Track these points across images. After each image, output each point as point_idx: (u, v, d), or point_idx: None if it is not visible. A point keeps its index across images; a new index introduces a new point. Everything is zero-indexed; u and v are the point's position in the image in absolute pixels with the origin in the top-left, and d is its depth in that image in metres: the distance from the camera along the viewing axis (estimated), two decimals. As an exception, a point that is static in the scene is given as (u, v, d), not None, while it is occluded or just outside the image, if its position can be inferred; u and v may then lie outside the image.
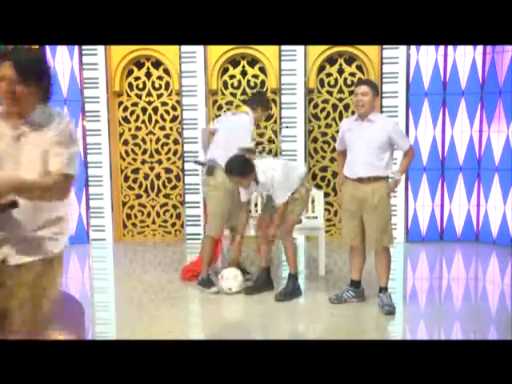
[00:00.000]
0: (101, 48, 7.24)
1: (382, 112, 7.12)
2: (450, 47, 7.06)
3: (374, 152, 4.61)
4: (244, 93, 7.47)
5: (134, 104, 7.62)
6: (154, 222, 7.82)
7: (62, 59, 7.28)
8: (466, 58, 7.05)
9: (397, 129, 4.69)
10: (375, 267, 4.88)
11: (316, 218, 6.30)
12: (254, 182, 5.01)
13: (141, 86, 7.59)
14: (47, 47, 7.23)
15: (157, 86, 7.58)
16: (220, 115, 6.53)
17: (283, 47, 7.15)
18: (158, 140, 7.66)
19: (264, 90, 7.34)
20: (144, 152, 7.68)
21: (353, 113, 7.37)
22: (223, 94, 7.51)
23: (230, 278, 5.24)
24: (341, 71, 7.44)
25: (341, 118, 7.45)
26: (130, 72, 7.58)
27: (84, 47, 7.25)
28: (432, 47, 7.05)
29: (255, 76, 7.46)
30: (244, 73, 7.47)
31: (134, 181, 7.74)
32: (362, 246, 4.86)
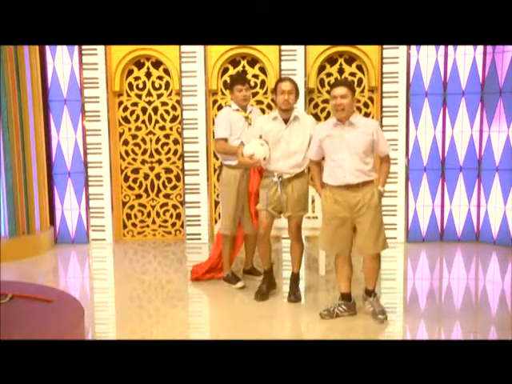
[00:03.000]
0: (101, 48, 7.22)
1: (382, 112, 7.13)
2: (451, 47, 7.05)
3: (360, 157, 4.37)
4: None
5: (134, 104, 7.62)
6: (154, 222, 7.81)
7: (61, 59, 7.27)
8: (466, 57, 7.04)
9: (379, 131, 4.47)
10: (363, 270, 4.70)
11: (316, 218, 6.29)
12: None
13: (141, 85, 7.58)
14: (47, 47, 7.23)
15: (157, 85, 7.57)
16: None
17: (283, 47, 7.14)
18: (157, 140, 7.65)
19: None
20: (144, 152, 7.67)
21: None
22: (223, 93, 7.50)
23: (253, 146, 4.91)
24: (341, 71, 7.43)
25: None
26: (130, 72, 7.56)
27: (84, 47, 7.23)
28: (432, 47, 7.04)
29: (255, 76, 7.45)
30: (244, 73, 7.45)
31: (134, 181, 7.74)
32: (350, 254, 4.64)
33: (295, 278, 5.17)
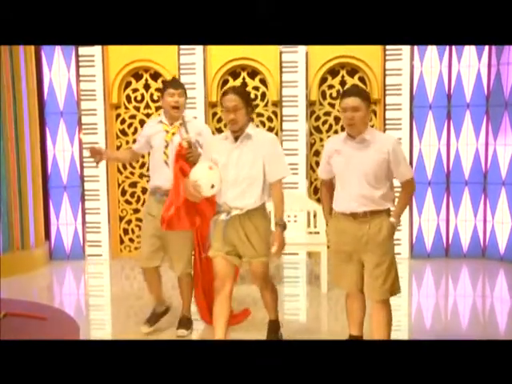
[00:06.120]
0: (98, 59, 7.15)
1: (385, 125, 7.02)
2: (455, 58, 6.97)
3: (369, 181, 3.64)
4: (244, 105, 7.36)
5: (132, 116, 7.50)
6: (151, 237, 7.67)
7: (58, 71, 7.19)
8: (470, 69, 6.95)
9: (398, 150, 3.67)
10: (370, 322, 3.91)
11: (318, 233, 6.17)
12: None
13: (139, 98, 7.47)
14: (44, 59, 7.15)
15: (155, 98, 7.45)
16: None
17: (284, 59, 7.06)
18: (156, 153, 7.53)
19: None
20: (142, 165, 7.54)
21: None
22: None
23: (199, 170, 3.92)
24: (343, 83, 7.32)
25: (343, 131, 7.31)
26: (128, 84, 7.46)
27: (81, 58, 7.16)
28: (436, 58, 6.96)
29: (256, 88, 7.35)
30: (244, 85, 7.35)
31: (132, 195, 7.60)
32: (362, 293, 3.84)
33: (273, 326, 4.31)
